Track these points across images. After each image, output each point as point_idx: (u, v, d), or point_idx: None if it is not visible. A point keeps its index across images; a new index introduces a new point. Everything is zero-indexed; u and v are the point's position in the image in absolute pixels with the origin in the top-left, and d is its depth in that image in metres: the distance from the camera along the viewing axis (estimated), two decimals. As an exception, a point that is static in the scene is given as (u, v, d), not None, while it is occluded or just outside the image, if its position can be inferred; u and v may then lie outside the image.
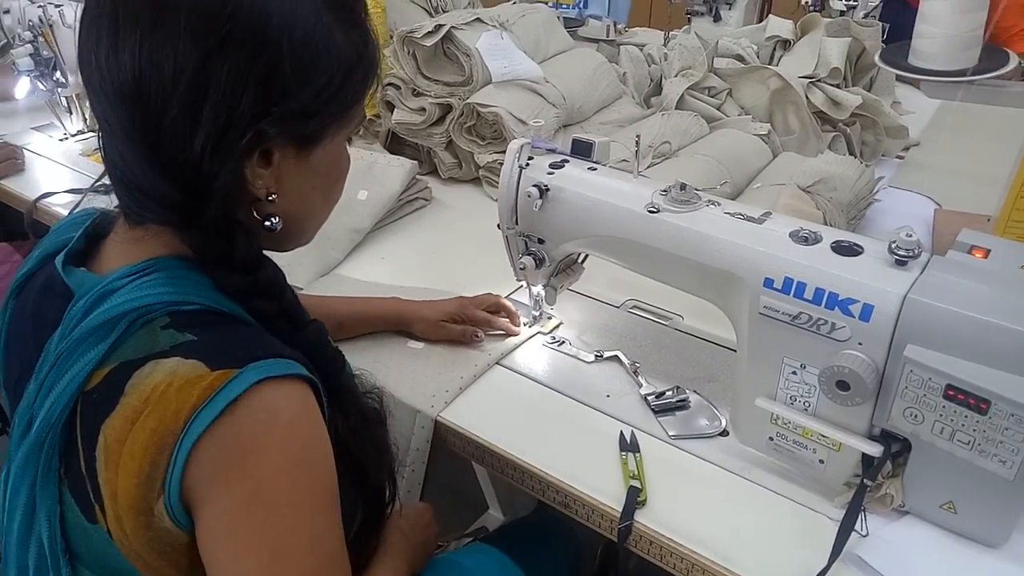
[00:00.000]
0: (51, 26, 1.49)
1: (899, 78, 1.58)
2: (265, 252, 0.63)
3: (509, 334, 1.01)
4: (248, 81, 0.54)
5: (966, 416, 0.64)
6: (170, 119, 0.53)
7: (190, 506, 0.53)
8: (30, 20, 1.51)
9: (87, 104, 1.69)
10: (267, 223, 0.61)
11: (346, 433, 0.63)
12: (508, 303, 1.04)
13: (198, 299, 0.57)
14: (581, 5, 2.22)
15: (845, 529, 0.70)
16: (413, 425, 0.90)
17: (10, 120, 1.78)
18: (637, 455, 0.82)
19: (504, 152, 1.35)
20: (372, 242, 1.27)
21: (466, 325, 1.00)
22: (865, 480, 0.71)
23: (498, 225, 0.96)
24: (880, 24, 1.65)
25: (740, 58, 1.63)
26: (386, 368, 0.96)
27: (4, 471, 0.59)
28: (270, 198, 0.60)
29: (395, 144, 1.54)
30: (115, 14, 0.53)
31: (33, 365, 0.58)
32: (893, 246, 0.68)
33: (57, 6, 1.47)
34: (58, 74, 1.57)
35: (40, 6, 1.48)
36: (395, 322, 1.01)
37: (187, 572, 0.56)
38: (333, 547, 0.57)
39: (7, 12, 1.60)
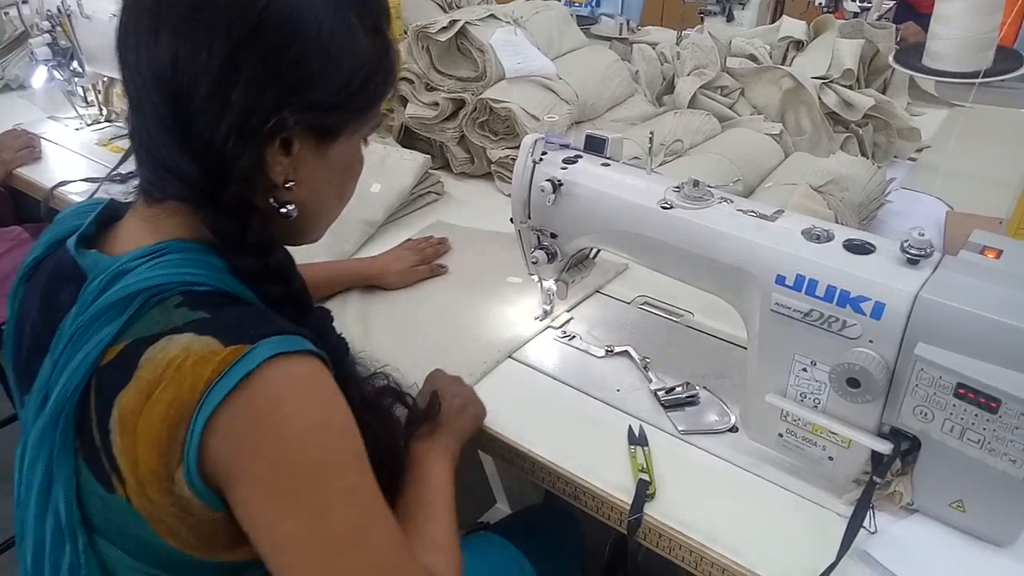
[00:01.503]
0: (69, 16, 1.50)
1: (913, 80, 1.58)
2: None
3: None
4: (276, 71, 0.57)
5: (976, 415, 0.64)
6: (199, 101, 0.56)
7: (219, 482, 0.55)
8: (48, 10, 1.52)
9: (103, 94, 1.70)
10: (283, 210, 0.63)
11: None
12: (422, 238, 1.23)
13: (210, 281, 0.59)
14: (593, 3, 2.22)
15: (853, 525, 0.70)
16: None
17: (27, 109, 1.80)
18: (646, 449, 0.83)
19: (516, 148, 1.36)
20: (384, 235, 1.28)
21: (428, 264, 1.17)
22: (874, 477, 0.72)
23: (511, 219, 0.97)
24: (894, 26, 1.65)
25: (753, 58, 1.64)
26: (397, 360, 0.97)
27: (20, 447, 0.60)
28: (287, 185, 0.62)
29: (408, 138, 1.55)
30: (156, 9, 0.56)
31: (43, 347, 0.59)
32: (905, 245, 0.69)
33: (75, -4, 1.48)
34: (75, 64, 1.58)
35: (58, -4, 1.50)
36: (365, 279, 1.13)
37: (205, 540, 0.58)
38: (368, 497, 0.59)
39: (26, 2, 1.61)
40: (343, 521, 0.56)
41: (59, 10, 1.50)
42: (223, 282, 0.60)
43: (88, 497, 0.58)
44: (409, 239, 1.24)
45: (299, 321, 0.62)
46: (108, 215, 0.67)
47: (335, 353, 0.65)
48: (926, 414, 0.67)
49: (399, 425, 0.73)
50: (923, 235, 0.68)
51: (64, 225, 0.67)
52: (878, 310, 0.67)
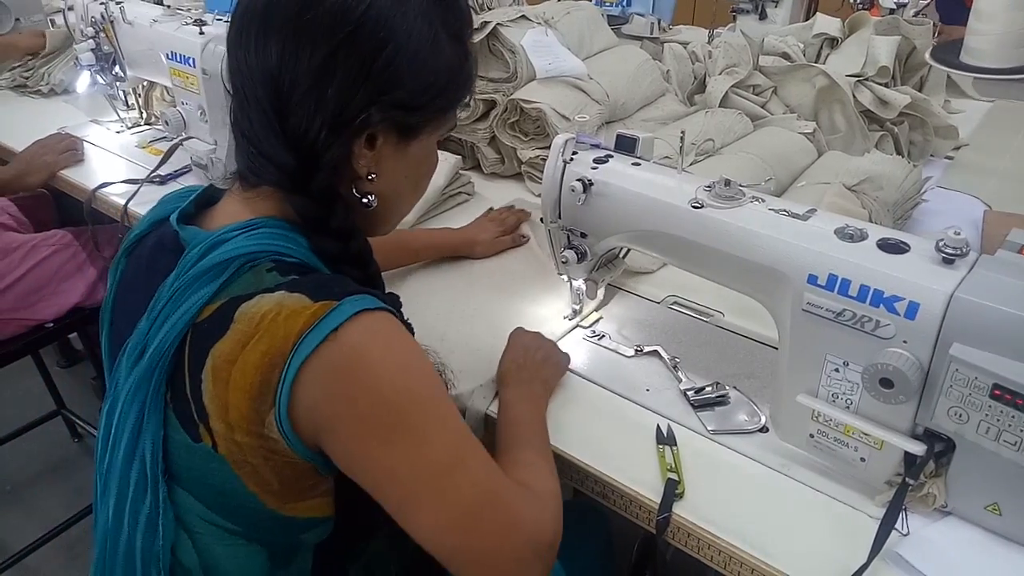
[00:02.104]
0: (112, 22, 1.54)
1: (950, 77, 1.55)
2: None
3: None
4: (368, 72, 0.63)
5: (1013, 416, 0.63)
6: (299, 96, 0.63)
7: (311, 428, 0.60)
8: (92, 16, 1.56)
9: (143, 98, 1.74)
10: (364, 200, 0.69)
11: None
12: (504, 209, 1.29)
13: (297, 254, 0.65)
14: (624, 3, 2.22)
15: (885, 527, 0.69)
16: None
17: (71, 113, 1.85)
18: (674, 448, 0.83)
19: (546, 148, 1.37)
20: (415, 235, 1.30)
21: (511, 234, 1.22)
22: (907, 479, 0.71)
23: (541, 219, 0.98)
24: (931, 22, 1.62)
25: (786, 56, 1.62)
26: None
27: (110, 400, 0.66)
28: (369, 177, 0.68)
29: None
30: (266, 13, 0.63)
31: (142, 312, 0.64)
32: (941, 244, 0.68)
33: (118, 3, 1.52)
34: (117, 68, 1.62)
35: (102, 3, 1.54)
36: (456, 249, 1.20)
37: (285, 482, 0.63)
38: (458, 423, 0.64)
39: (71, 9, 1.66)
40: (442, 446, 0.61)
41: (103, 17, 1.54)
42: (307, 257, 0.66)
43: (173, 447, 0.63)
44: (491, 208, 1.30)
45: None
46: (207, 198, 0.73)
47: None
48: (961, 415, 0.67)
49: None
50: (959, 234, 0.67)
51: (165, 207, 0.73)
52: (912, 310, 0.66)
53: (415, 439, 0.60)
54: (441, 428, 0.62)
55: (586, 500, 0.88)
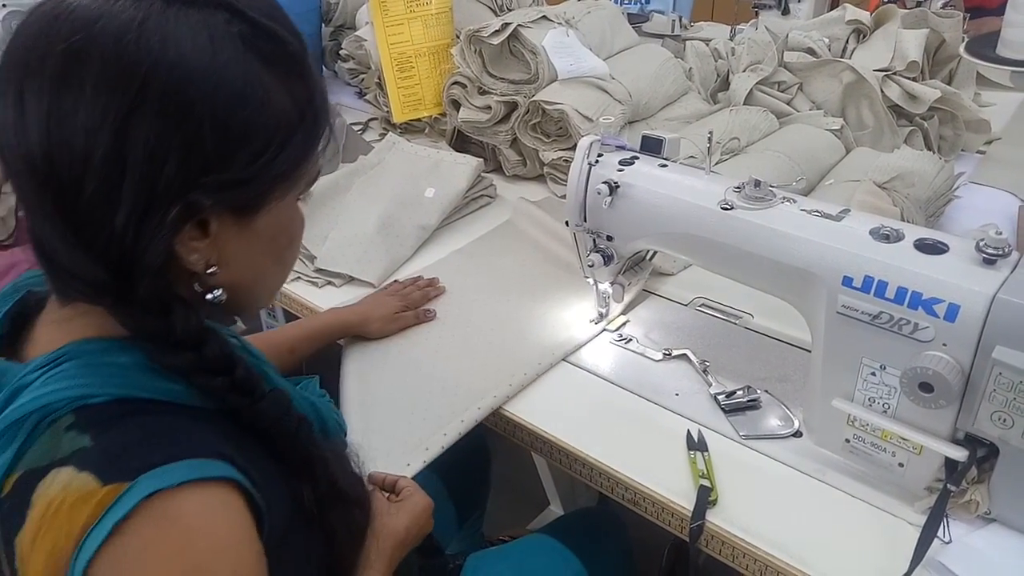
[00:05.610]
0: None
1: (982, 70, 1.51)
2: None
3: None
4: (169, 152, 0.48)
5: (1060, 421, 0.62)
6: (86, 197, 0.48)
7: None
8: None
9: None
10: (209, 296, 0.55)
11: (313, 505, 0.59)
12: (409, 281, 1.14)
13: (111, 388, 0.51)
14: (644, 0, 2.20)
15: (927, 535, 0.68)
16: (464, 412, 0.90)
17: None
18: (705, 454, 0.82)
19: (568, 149, 1.36)
20: (438, 239, 1.29)
21: (413, 310, 1.08)
22: (948, 485, 0.69)
23: (566, 222, 0.97)
24: (960, 14, 1.59)
25: (811, 51, 1.59)
26: (446, 358, 0.99)
27: None
28: (209, 271, 0.54)
29: (460, 142, 1.56)
30: (20, 84, 0.48)
31: None
32: (981, 244, 0.66)
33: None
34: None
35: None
36: (346, 328, 1.05)
37: None
38: None
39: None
40: None
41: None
42: (128, 385, 0.52)
43: None
44: (396, 281, 1.16)
45: (251, 409, 0.56)
46: (26, 309, 0.58)
47: (296, 435, 0.59)
48: (1005, 420, 0.65)
49: (366, 519, 0.68)
50: (1000, 234, 0.66)
51: None
52: (952, 312, 0.65)
53: None
54: None
55: (606, 507, 0.87)
